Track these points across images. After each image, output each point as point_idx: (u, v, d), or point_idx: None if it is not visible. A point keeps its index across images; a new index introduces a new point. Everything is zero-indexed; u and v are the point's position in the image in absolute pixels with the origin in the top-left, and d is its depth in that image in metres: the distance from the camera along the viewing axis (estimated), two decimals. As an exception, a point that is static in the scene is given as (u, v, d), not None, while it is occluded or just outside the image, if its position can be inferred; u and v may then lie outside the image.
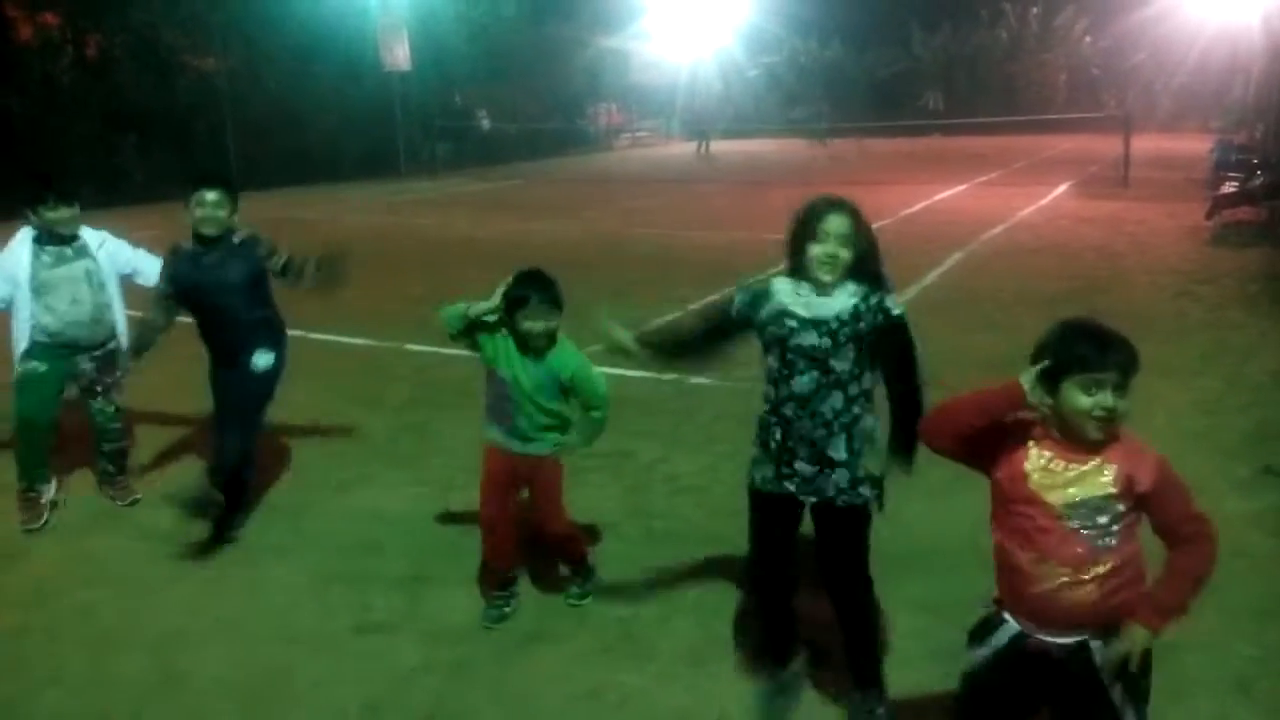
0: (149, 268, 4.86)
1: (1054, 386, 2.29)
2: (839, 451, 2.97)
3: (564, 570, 4.08)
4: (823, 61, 41.27)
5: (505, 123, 30.22)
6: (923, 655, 3.48)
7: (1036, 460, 2.34)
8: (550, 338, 3.62)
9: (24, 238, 4.65)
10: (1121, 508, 2.28)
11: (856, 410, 2.97)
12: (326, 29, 23.22)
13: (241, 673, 3.54)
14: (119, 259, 4.89)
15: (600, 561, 4.13)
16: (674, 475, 5.25)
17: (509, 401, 3.66)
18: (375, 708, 3.31)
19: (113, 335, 4.87)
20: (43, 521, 4.78)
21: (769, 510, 3.15)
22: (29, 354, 4.68)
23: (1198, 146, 21.16)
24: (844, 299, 2.94)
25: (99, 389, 4.89)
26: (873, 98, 38.60)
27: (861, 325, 2.92)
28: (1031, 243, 12.21)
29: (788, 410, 2.99)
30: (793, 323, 2.94)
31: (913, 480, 4.51)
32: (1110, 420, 2.26)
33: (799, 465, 3.01)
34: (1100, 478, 2.29)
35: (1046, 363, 2.30)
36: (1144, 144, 22.36)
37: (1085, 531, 2.29)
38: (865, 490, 3.01)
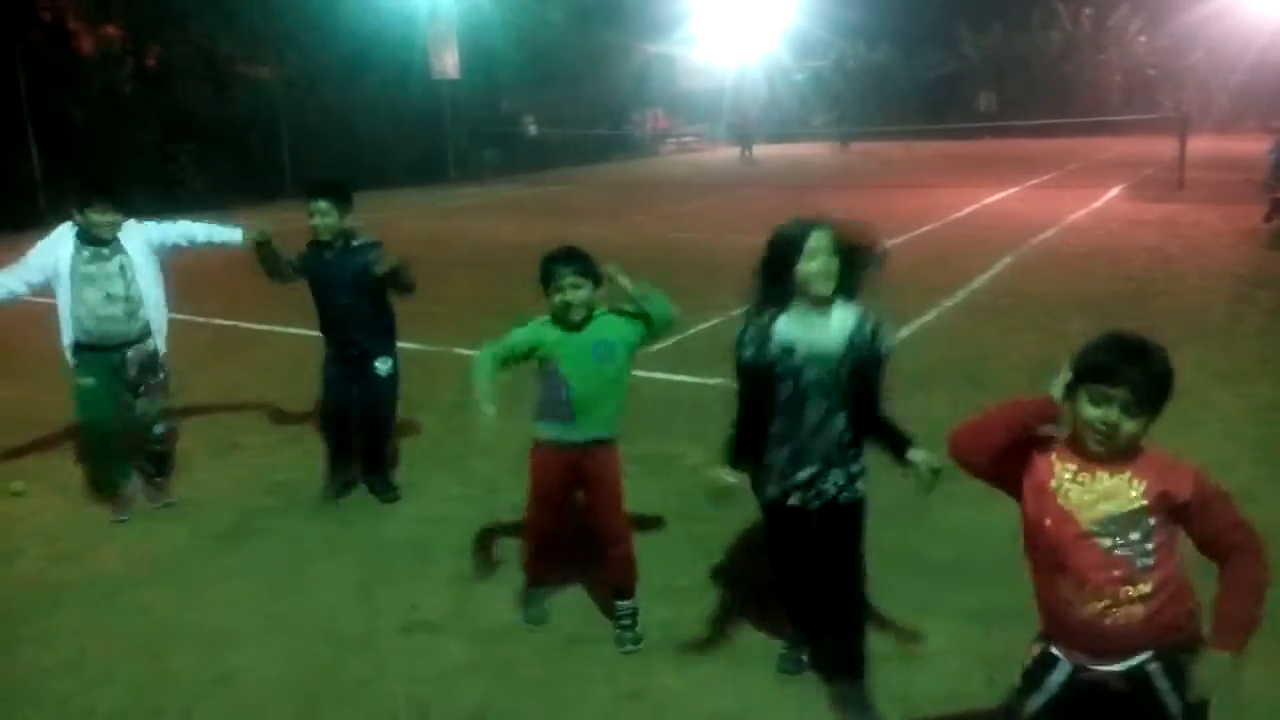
0: (187, 228, 5.16)
1: (1075, 392, 2.24)
2: (838, 456, 3.13)
3: (612, 608, 3.86)
4: (870, 65, 40.93)
5: (552, 129, 30.42)
6: (968, 664, 3.46)
7: (1061, 474, 2.26)
8: (586, 308, 3.55)
9: (66, 233, 4.81)
10: (1153, 521, 2.19)
11: (857, 422, 3.13)
12: (377, 38, 23.56)
13: (292, 670, 3.62)
14: (154, 241, 4.98)
15: (644, 563, 4.14)
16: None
17: (564, 387, 3.55)
18: (423, 706, 3.37)
19: (149, 332, 4.95)
20: (128, 513, 5.00)
21: (782, 522, 3.29)
22: (78, 364, 4.87)
23: (1256, 147, 20.65)
24: (839, 327, 3.02)
25: (141, 389, 4.98)
26: (921, 100, 38.20)
27: (856, 355, 3.02)
28: (1083, 246, 12.02)
29: (796, 435, 3.11)
30: (798, 359, 3.02)
31: (956, 488, 4.49)
32: (1109, 437, 2.18)
33: (801, 475, 3.14)
34: (1130, 491, 2.20)
35: (1071, 369, 2.26)
36: (1201, 145, 21.91)
37: (1120, 551, 2.19)
38: (861, 485, 3.18)
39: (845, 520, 3.20)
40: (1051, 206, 15.68)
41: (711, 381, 6.81)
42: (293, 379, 7.27)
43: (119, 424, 5.00)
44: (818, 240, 2.96)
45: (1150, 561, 2.20)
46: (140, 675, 3.62)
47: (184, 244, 5.13)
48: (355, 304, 4.90)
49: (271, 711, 3.39)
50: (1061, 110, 33.62)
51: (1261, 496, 4.61)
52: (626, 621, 3.75)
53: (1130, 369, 2.16)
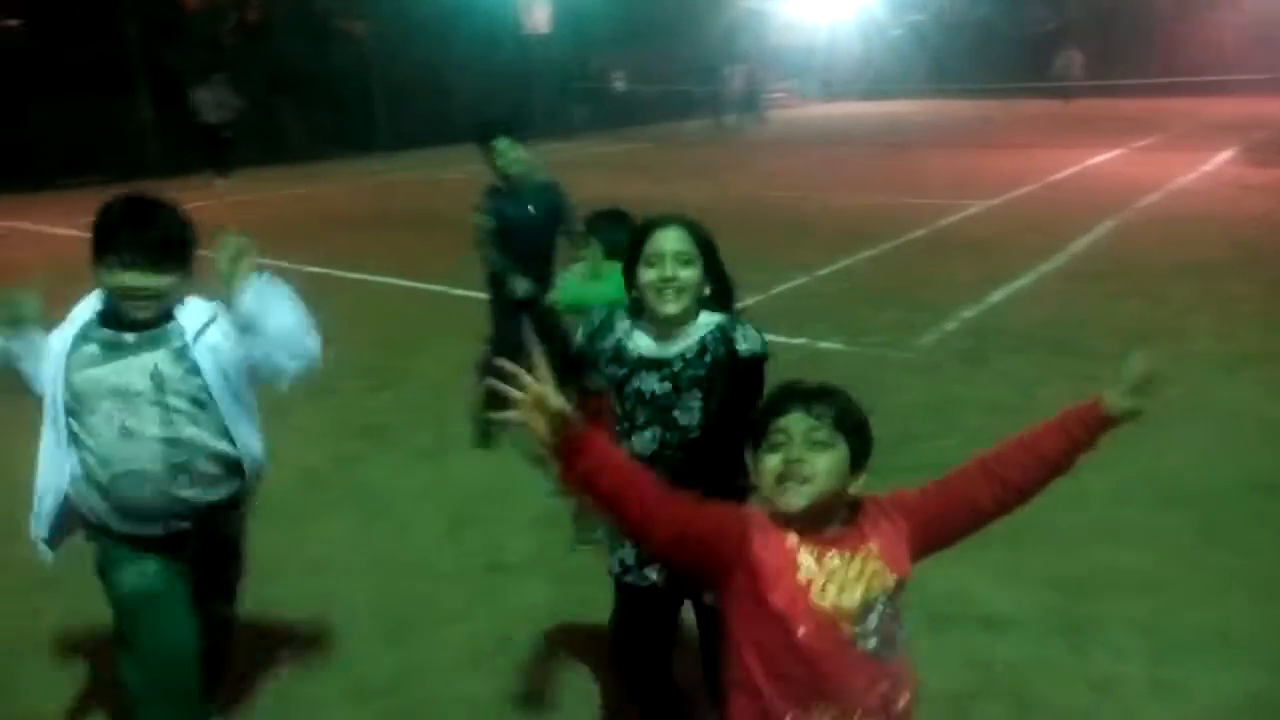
0: (296, 351, 2.67)
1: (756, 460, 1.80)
2: None
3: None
4: (971, 20, 39.59)
5: (641, 84, 30.20)
6: (1048, 631, 3.44)
7: (809, 562, 1.70)
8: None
9: (79, 311, 2.55)
10: (897, 594, 1.77)
11: (715, 473, 2.32)
12: (470, -7, 23.68)
13: (386, 601, 3.79)
14: (238, 349, 2.59)
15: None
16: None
17: None
18: (508, 640, 3.50)
19: (220, 502, 2.65)
20: None
21: (633, 604, 2.53)
22: (107, 553, 2.60)
23: (1387, 109, 19.44)
24: (692, 335, 2.36)
25: (210, 590, 2.80)
26: (1024, 57, 36.86)
27: (707, 360, 2.32)
28: (1190, 211, 11.54)
29: None
30: (627, 365, 2.38)
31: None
32: (791, 478, 1.69)
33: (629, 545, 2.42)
34: (876, 564, 1.74)
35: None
36: (1325, 106, 20.71)
37: (882, 655, 1.75)
38: None
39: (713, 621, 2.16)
40: (1157, 169, 15.05)
41: (795, 341, 6.80)
42: (385, 327, 7.49)
43: (198, 656, 2.70)
44: (661, 242, 2.32)
45: (900, 654, 1.81)
46: (243, 600, 3.82)
47: (257, 364, 2.64)
48: (539, 242, 5.04)
49: (367, 638, 3.56)
50: (1170, 69, 32.07)
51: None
52: None
53: (813, 399, 1.76)
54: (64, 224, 12.17)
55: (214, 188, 16.20)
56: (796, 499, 1.68)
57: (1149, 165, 15.78)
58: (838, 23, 36.30)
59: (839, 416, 1.73)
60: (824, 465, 1.69)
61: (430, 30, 23.99)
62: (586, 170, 18.60)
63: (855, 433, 1.75)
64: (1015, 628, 3.48)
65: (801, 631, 1.67)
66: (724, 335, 2.33)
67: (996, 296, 7.90)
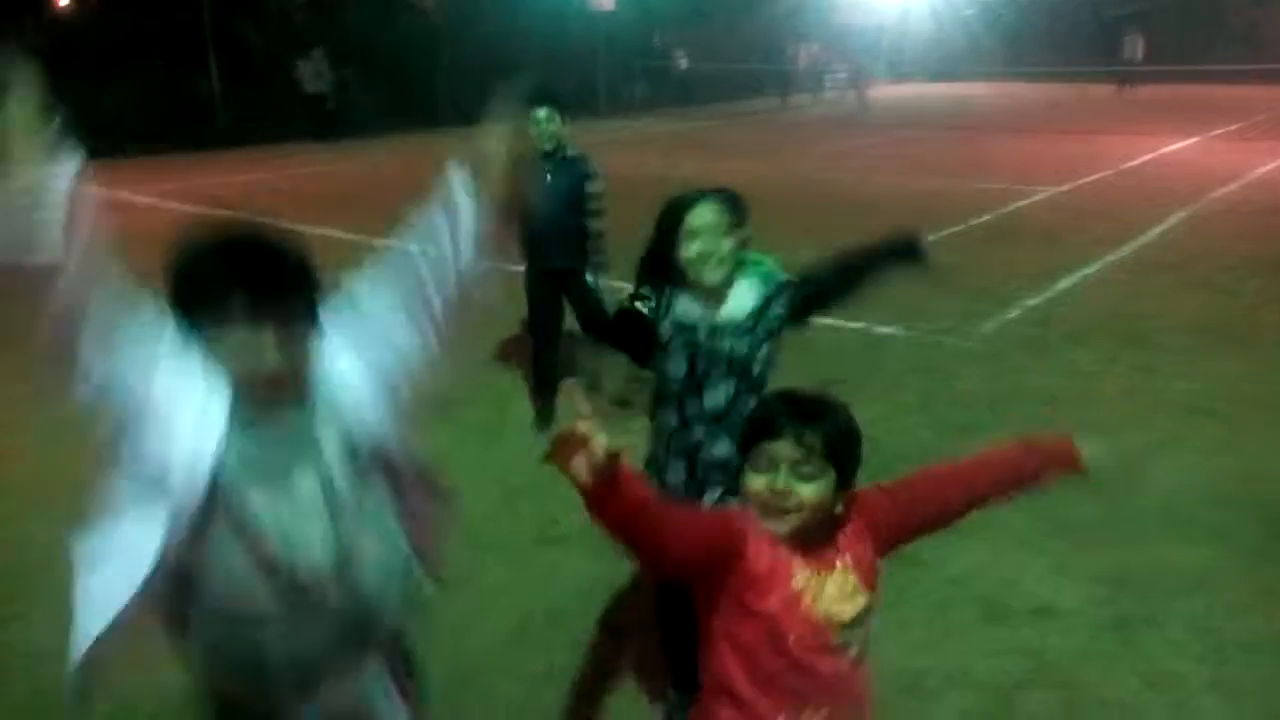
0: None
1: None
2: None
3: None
4: (1043, 2, 38.58)
5: (705, 63, 29.99)
6: (1100, 625, 3.41)
7: (803, 575, 1.72)
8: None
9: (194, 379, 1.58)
10: (872, 605, 1.79)
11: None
12: (537, -31, 23.72)
13: (439, 570, 3.87)
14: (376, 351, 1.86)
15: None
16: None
17: None
18: (558, 615, 3.56)
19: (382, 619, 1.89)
20: None
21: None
22: None
23: None
24: (749, 294, 2.55)
25: None
26: (1100, 41, 35.88)
27: (775, 309, 2.56)
28: (1269, 202, 11.17)
29: (697, 432, 2.59)
30: (705, 329, 2.54)
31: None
32: (776, 508, 1.69)
33: (708, 497, 2.59)
34: (853, 577, 1.76)
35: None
36: None
37: (862, 659, 1.81)
38: None
39: None
40: (1235, 159, 14.59)
41: (854, 325, 6.75)
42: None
43: None
44: (696, 218, 2.47)
45: (863, 663, 1.85)
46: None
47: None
48: (564, 217, 4.88)
49: (420, 606, 3.65)
50: (1253, 54, 30.96)
51: None
52: None
53: (800, 416, 1.72)
54: (143, 192, 12.48)
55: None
56: (781, 526, 1.70)
57: (1227, 154, 15.31)
58: (909, 1, 35.57)
59: (829, 445, 1.69)
60: (809, 495, 1.69)
61: (497, 6, 24.09)
62: (646, 147, 18.56)
63: (845, 458, 1.72)
64: (1068, 619, 3.45)
65: (793, 639, 1.71)
66: (775, 288, 2.57)
67: (1062, 285, 7.75)
